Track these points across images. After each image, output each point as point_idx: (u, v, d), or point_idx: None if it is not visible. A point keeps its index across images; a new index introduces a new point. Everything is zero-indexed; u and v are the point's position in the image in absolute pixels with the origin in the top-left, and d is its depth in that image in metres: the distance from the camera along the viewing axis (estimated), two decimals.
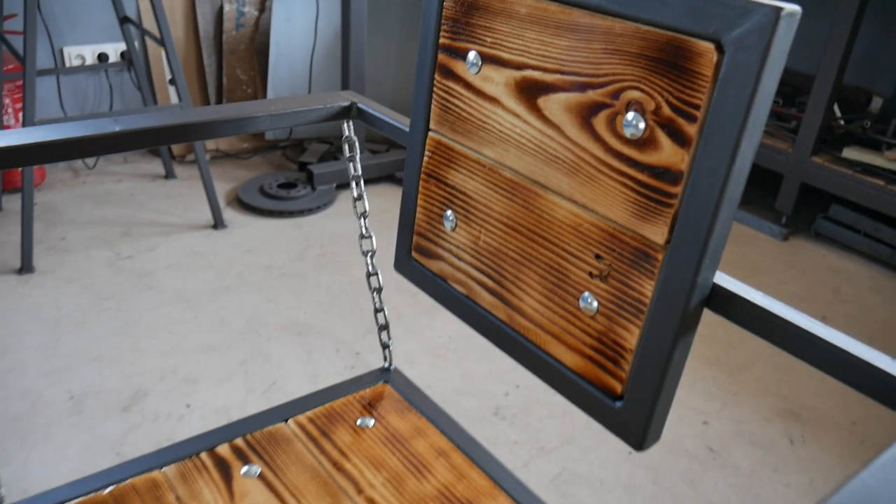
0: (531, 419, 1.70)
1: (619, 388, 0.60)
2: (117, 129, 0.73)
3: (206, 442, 0.80)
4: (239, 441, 0.81)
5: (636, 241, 0.56)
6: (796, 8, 0.45)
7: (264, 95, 2.70)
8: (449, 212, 0.72)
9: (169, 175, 2.58)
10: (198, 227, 2.31)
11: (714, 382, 1.87)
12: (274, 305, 2.00)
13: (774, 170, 2.54)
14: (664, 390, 0.57)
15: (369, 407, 0.87)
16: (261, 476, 0.76)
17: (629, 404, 0.59)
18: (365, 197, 0.90)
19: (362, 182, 0.89)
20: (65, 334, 1.82)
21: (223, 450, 0.79)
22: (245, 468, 0.77)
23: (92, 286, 2.00)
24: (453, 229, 0.72)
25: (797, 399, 1.84)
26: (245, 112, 0.81)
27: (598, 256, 0.59)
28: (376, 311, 0.92)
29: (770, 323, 0.52)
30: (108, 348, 1.78)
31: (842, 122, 2.57)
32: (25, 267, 2.01)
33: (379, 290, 0.91)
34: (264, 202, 2.41)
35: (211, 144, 2.70)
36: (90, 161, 2.65)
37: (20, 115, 2.28)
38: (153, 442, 1.53)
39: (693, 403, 1.79)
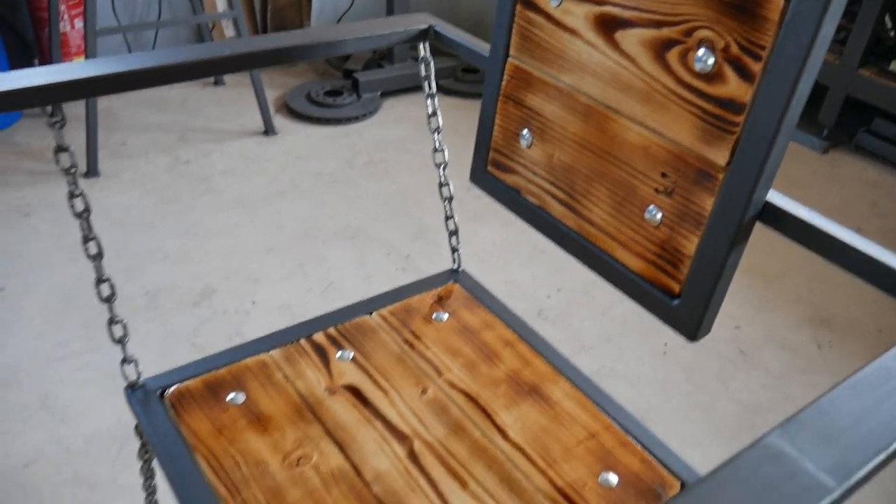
0: (572, 320, 1.83)
1: (676, 288, 0.70)
2: (227, 52, 0.82)
3: (303, 331, 0.93)
4: (331, 330, 0.93)
5: (699, 162, 0.65)
6: None
7: (309, 12, 2.73)
8: (525, 131, 0.81)
9: (218, 82, 2.66)
10: (249, 134, 2.41)
11: (749, 290, 1.97)
12: (326, 211, 2.11)
13: (819, 81, 2.55)
14: (717, 292, 0.67)
15: (442, 303, 0.99)
16: (353, 360, 0.89)
17: (685, 302, 0.69)
18: (439, 114, 0.98)
19: (437, 99, 0.97)
20: (134, 235, 1.96)
21: (319, 337, 0.92)
22: (339, 353, 0.90)
23: (155, 190, 2.13)
24: (529, 147, 0.81)
25: (828, 307, 1.94)
26: (334, 36, 0.89)
27: (663, 175, 0.68)
28: (447, 217, 1.03)
29: (815, 236, 0.61)
30: (175, 249, 1.92)
31: (892, 34, 2.55)
32: (91, 171, 2.13)
33: (450, 199, 1.01)
34: (312, 109, 2.49)
35: None
36: None
37: (75, 21, 2.35)
38: (224, 335, 1.68)
39: (727, 309, 1.90)
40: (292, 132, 2.46)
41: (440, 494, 0.75)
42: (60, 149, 0.76)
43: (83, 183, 2.13)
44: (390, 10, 2.58)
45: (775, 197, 0.64)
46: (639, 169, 0.70)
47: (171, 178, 2.19)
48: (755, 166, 0.61)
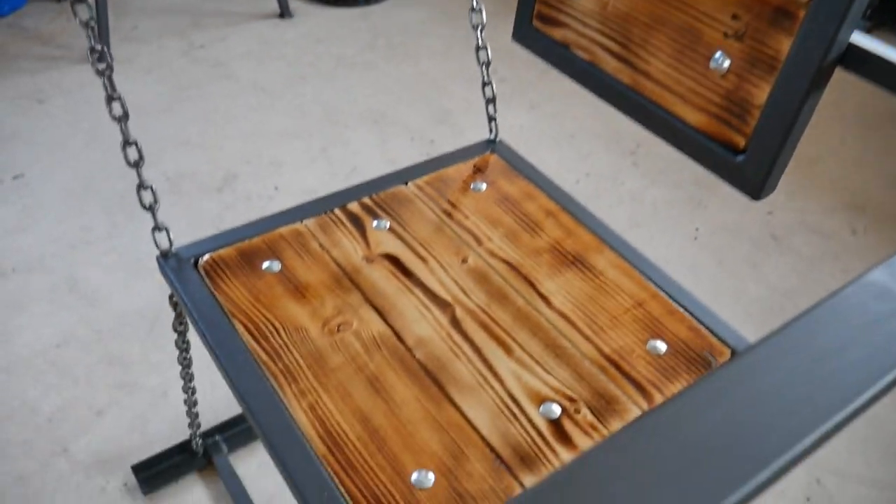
0: (601, 205, 1.78)
1: (742, 142, 0.65)
2: None
3: (337, 200, 0.89)
4: (366, 200, 0.89)
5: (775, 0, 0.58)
6: None
7: None
8: None
9: None
10: (265, 17, 2.30)
11: (783, 175, 1.91)
12: (347, 95, 2.04)
13: None
14: (787, 145, 0.62)
15: (479, 173, 0.94)
16: (390, 229, 0.86)
17: (751, 157, 0.65)
18: None
19: None
20: (151, 121, 1.90)
21: (353, 207, 0.88)
22: (375, 222, 0.86)
23: (170, 75, 2.06)
24: None
25: (864, 193, 1.88)
26: None
27: (734, 17, 0.62)
28: (484, 84, 0.97)
29: None
30: (195, 134, 1.87)
31: None
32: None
33: (488, 63, 0.95)
34: None
35: None
36: None
37: None
38: (248, 220, 1.65)
39: None
40: (309, 15, 2.35)
41: (485, 360, 0.73)
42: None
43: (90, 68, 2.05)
44: None
45: (860, 39, 0.58)
46: (706, 12, 0.64)
47: (185, 62, 2.11)
48: (842, 2, 0.54)
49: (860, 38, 0.58)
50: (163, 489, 1.20)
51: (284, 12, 2.28)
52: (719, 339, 0.77)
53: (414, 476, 0.63)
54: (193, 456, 1.22)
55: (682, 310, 0.79)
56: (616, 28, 0.72)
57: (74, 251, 1.56)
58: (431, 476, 0.63)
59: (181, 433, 1.26)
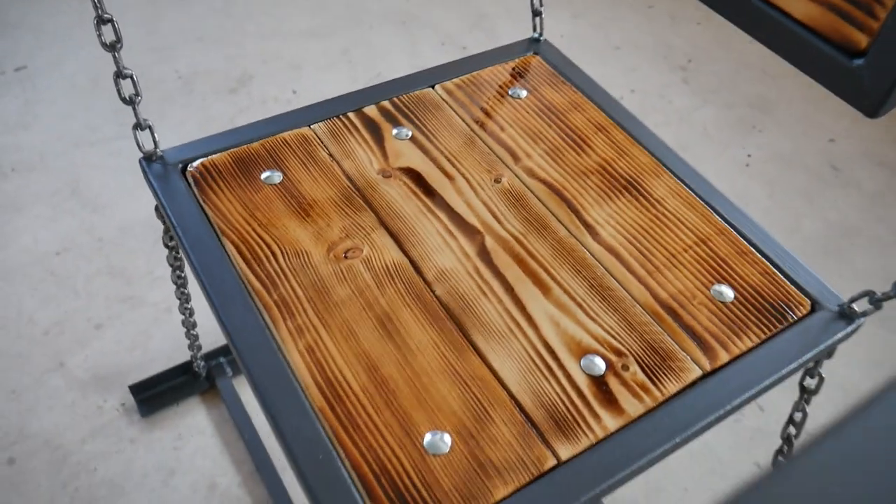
0: (646, 124, 1.62)
1: (864, 41, 0.50)
2: None
3: (352, 102, 0.75)
4: (386, 103, 0.76)
5: None
6: None
7: None
8: None
9: None
10: None
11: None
12: None
13: None
14: None
15: (519, 78, 0.80)
16: (412, 139, 0.72)
17: (874, 61, 0.50)
18: None
19: None
20: (165, 12, 1.75)
21: (371, 111, 0.75)
22: (396, 130, 0.73)
23: None
24: None
25: None
26: None
27: None
28: None
29: None
30: (211, 29, 1.72)
31: None
32: None
33: None
34: None
35: None
36: None
37: None
38: None
39: (820, 119, 1.66)
40: None
41: (517, 300, 0.60)
42: None
43: None
44: None
45: None
46: None
47: None
48: None
49: None
50: (161, 412, 1.12)
51: None
52: (798, 287, 0.64)
53: (427, 438, 0.52)
54: (195, 378, 1.13)
55: (754, 250, 0.66)
56: None
57: (78, 152, 1.45)
58: (448, 439, 0.52)
59: (184, 353, 1.17)
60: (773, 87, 1.73)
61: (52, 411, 1.11)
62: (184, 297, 0.90)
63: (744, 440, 1.13)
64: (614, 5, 1.88)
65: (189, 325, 0.97)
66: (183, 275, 0.86)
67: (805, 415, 0.71)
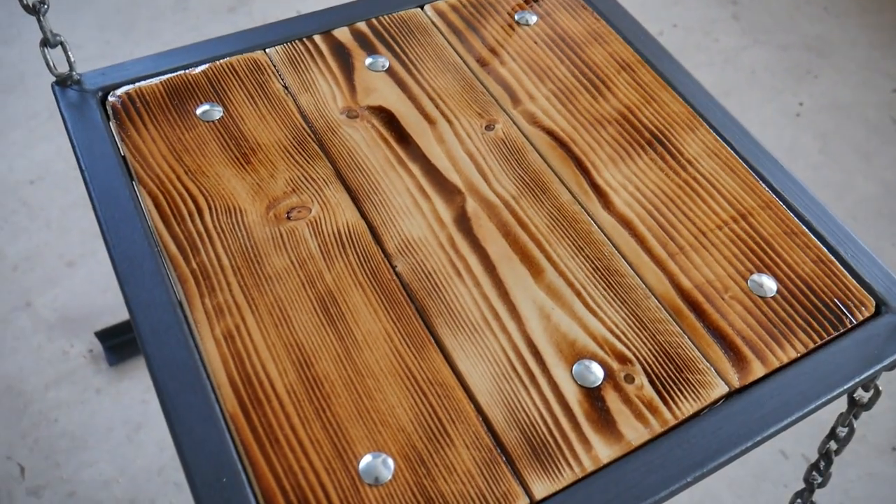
0: (687, 64, 1.43)
1: None
2: None
3: (321, 21, 0.61)
4: (362, 25, 0.61)
5: None
6: None
7: None
8: None
9: None
10: None
11: None
12: None
13: None
14: None
15: None
16: (389, 70, 0.58)
17: None
18: None
19: None
20: None
21: (342, 34, 0.60)
22: (370, 59, 0.59)
23: None
24: None
25: None
26: None
27: None
28: None
29: None
30: None
31: None
32: None
33: None
34: None
35: None
36: None
37: None
38: None
39: (885, 67, 1.47)
40: None
41: (498, 283, 0.47)
42: None
43: None
44: None
45: None
46: None
47: None
48: None
49: None
50: (131, 360, 1.03)
51: None
52: (860, 281, 0.50)
53: (364, 461, 0.40)
54: None
55: (807, 230, 0.52)
56: None
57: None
58: (391, 464, 0.40)
59: None
60: (834, 26, 1.52)
61: (15, 353, 1.02)
62: None
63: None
64: None
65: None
66: None
67: (852, 430, 0.58)
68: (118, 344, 1.02)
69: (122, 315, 1.04)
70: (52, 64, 0.55)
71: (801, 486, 0.65)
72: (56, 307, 1.07)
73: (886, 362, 0.46)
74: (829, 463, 0.61)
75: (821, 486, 0.63)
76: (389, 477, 0.39)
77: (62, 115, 0.54)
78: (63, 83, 0.55)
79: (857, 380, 0.46)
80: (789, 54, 1.48)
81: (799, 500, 0.65)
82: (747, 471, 0.98)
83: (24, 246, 1.12)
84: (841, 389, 0.45)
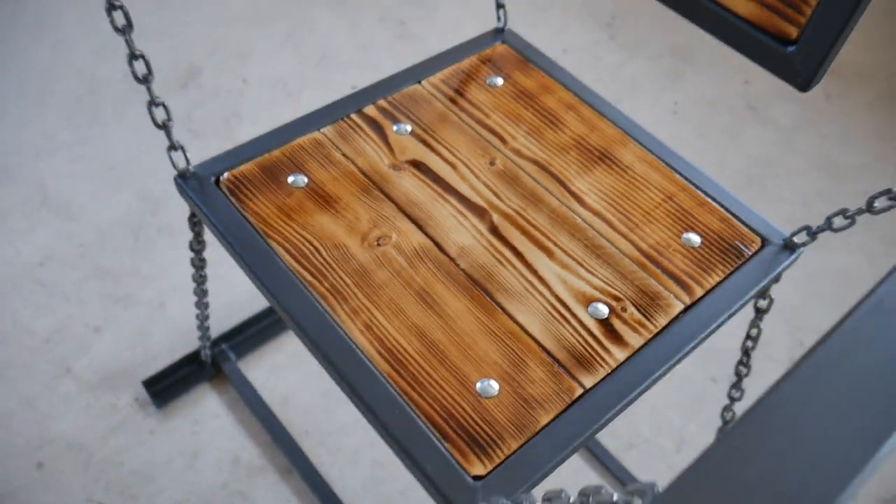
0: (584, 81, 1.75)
1: (794, 33, 0.64)
2: None
3: (351, 105, 0.85)
4: (381, 102, 0.86)
5: None
6: None
7: None
8: None
9: None
10: None
11: None
12: None
13: None
14: (843, 35, 0.61)
15: (494, 67, 0.91)
16: (412, 133, 0.83)
17: (803, 48, 0.64)
18: None
19: None
20: (100, 10, 1.76)
21: (370, 111, 0.85)
22: (396, 126, 0.84)
23: None
24: None
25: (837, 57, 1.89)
26: None
27: None
28: None
29: None
30: (149, 24, 1.74)
31: None
32: None
33: None
34: None
35: None
36: None
37: None
38: (220, 118, 1.58)
39: (735, 63, 1.83)
40: None
41: (528, 265, 0.73)
42: None
43: None
44: None
45: None
46: None
47: None
48: None
49: None
50: (174, 402, 1.21)
51: None
52: (750, 228, 0.79)
53: (478, 385, 0.64)
54: (202, 367, 1.22)
55: (711, 201, 0.81)
56: None
57: (41, 160, 1.48)
58: (495, 384, 0.65)
59: (185, 345, 1.26)
60: (691, 36, 1.89)
61: (68, 414, 1.19)
62: (202, 293, 0.99)
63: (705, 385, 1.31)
64: None
65: (203, 318, 1.06)
66: (204, 273, 0.95)
67: (759, 330, 0.87)
68: (161, 389, 1.20)
69: (154, 367, 1.23)
70: (174, 163, 0.76)
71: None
72: (94, 369, 1.24)
73: (772, 275, 0.75)
74: (748, 357, 0.90)
75: (746, 376, 0.91)
76: (496, 393, 0.64)
77: (192, 199, 0.75)
78: (183, 176, 0.76)
79: (757, 289, 0.74)
80: (660, 63, 1.82)
81: (728, 413, 0.94)
82: (689, 396, 1.28)
83: (49, 321, 1.28)
84: (748, 296, 0.74)
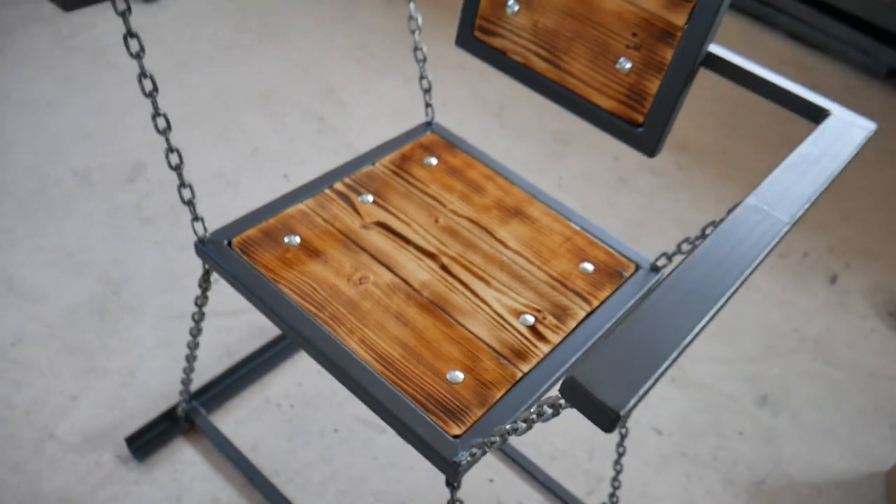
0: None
1: (641, 119, 0.97)
2: None
3: (324, 182, 1.12)
4: (347, 180, 1.13)
5: (663, 24, 0.90)
6: None
7: None
8: (512, 1, 1.01)
9: None
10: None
11: None
12: (232, 78, 2.18)
13: None
14: (671, 120, 0.95)
15: (427, 150, 1.21)
16: (374, 202, 1.10)
17: (647, 129, 0.97)
18: None
19: None
20: (45, 116, 1.95)
21: (339, 186, 1.12)
22: (360, 197, 1.10)
23: (49, 68, 2.09)
24: (515, 14, 1.02)
25: (683, 136, 2.34)
26: None
27: (634, 34, 0.93)
28: (421, 77, 1.22)
29: (736, 71, 0.89)
30: (93, 126, 1.95)
31: None
32: None
33: (424, 60, 1.20)
34: None
35: None
36: None
37: None
38: (168, 206, 1.79)
39: (606, 143, 2.24)
40: None
41: (473, 292, 1.01)
42: (132, 34, 0.87)
43: None
44: None
45: (715, 48, 0.91)
46: (613, 31, 0.94)
47: (61, 53, 2.14)
48: (706, 26, 0.87)
49: (715, 49, 0.91)
50: (154, 454, 1.38)
51: None
52: (626, 258, 1.10)
53: (448, 375, 0.90)
54: (177, 422, 1.40)
55: (598, 240, 1.12)
56: (545, 40, 1.01)
57: (2, 253, 1.64)
58: (460, 374, 0.90)
59: (156, 405, 1.44)
60: (569, 122, 2.28)
61: (56, 473, 1.33)
62: (192, 358, 1.20)
63: None
64: (434, 68, 2.35)
65: (189, 371, 1.26)
66: (200, 328, 1.16)
67: None
68: (142, 444, 1.37)
69: (131, 426, 1.39)
70: (195, 231, 0.99)
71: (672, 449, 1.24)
72: (76, 432, 1.39)
73: (645, 289, 1.06)
74: None
75: None
76: (462, 379, 0.90)
77: (211, 259, 0.98)
78: (202, 241, 1.00)
79: (635, 300, 1.05)
80: (544, 145, 2.20)
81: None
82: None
83: (27, 394, 1.42)
84: (629, 305, 1.04)
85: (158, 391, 1.46)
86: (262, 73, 2.22)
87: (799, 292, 1.92)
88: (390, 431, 1.48)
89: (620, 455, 1.24)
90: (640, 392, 0.54)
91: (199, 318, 1.13)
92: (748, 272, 0.67)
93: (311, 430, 1.46)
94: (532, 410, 0.68)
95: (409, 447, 1.44)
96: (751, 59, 0.91)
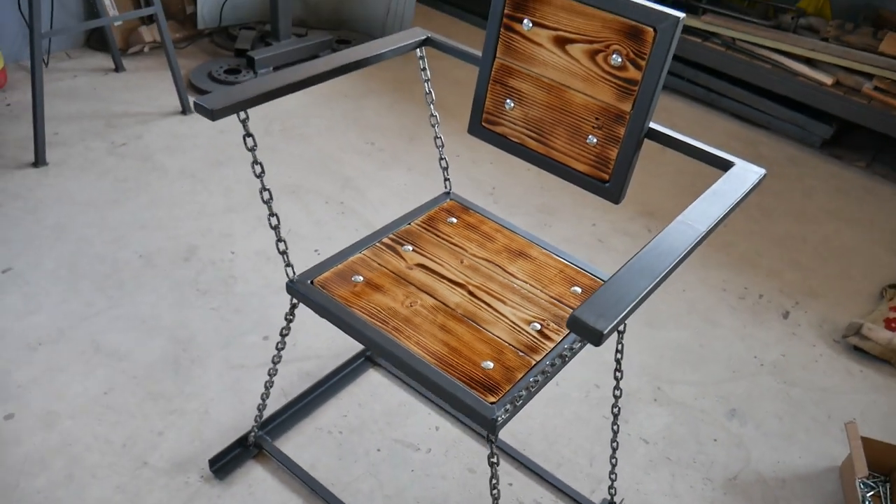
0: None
1: (607, 176, 1.40)
2: (324, 68, 1.38)
3: (376, 238, 1.53)
4: (392, 236, 1.54)
5: (616, 111, 1.34)
6: (683, 15, 1.23)
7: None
8: (509, 100, 1.46)
9: (119, 68, 3.00)
10: (169, 114, 2.81)
11: (597, 198, 2.77)
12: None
13: None
14: (628, 176, 1.38)
15: (449, 213, 1.63)
16: (414, 250, 1.51)
17: (612, 184, 1.39)
18: (432, 92, 1.60)
19: (429, 83, 1.59)
20: (106, 212, 2.36)
21: (386, 240, 1.53)
22: (404, 247, 1.51)
23: (106, 172, 2.51)
24: (512, 109, 1.46)
25: (651, 203, 2.79)
26: (373, 51, 1.47)
27: (597, 118, 1.37)
28: (440, 158, 1.65)
29: (672, 141, 1.33)
30: (148, 219, 2.36)
31: None
32: (40, 160, 2.47)
33: (442, 146, 1.64)
34: (218, 87, 2.92)
35: (149, 36, 3.11)
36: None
37: None
38: (220, 279, 2.18)
39: (585, 212, 2.68)
40: None
41: (494, 309, 1.40)
42: (249, 134, 1.29)
43: (33, 172, 2.46)
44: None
45: (653, 125, 1.35)
46: (582, 117, 1.38)
47: (115, 160, 2.57)
48: (645, 111, 1.31)
49: (653, 125, 1.35)
50: (232, 474, 1.72)
51: (185, 109, 2.81)
52: (604, 281, 1.51)
53: (482, 364, 1.28)
54: (248, 448, 1.75)
55: (583, 271, 1.52)
56: (534, 126, 1.45)
57: (86, 323, 2.01)
58: (490, 363, 1.29)
59: (229, 436, 1.79)
60: (551, 197, 2.73)
61: (152, 493, 1.66)
62: (270, 384, 1.56)
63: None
64: (429, 160, 2.81)
65: (264, 397, 1.62)
66: (280, 356, 1.53)
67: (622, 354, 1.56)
68: (221, 466, 1.71)
69: (210, 453, 1.74)
70: (287, 274, 1.39)
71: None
72: (165, 459, 1.73)
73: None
74: (619, 366, 1.58)
75: (620, 379, 1.59)
76: (493, 367, 1.29)
77: (301, 294, 1.37)
78: (292, 282, 1.39)
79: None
80: (532, 217, 2.63)
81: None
82: (591, 429, 1.92)
83: (121, 432, 1.77)
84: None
85: (229, 425, 1.81)
86: (289, 167, 2.66)
87: (757, 327, 2.33)
88: (424, 448, 1.83)
89: (615, 454, 1.61)
90: (615, 322, 0.93)
91: (281, 346, 1.51)
92: (679, 257, 1.08)
93: (357, 451, 1.81)
94: (547, 363, 1.06)
95: (442, 459, 1.79)
96: (680, 131, 1.35)
